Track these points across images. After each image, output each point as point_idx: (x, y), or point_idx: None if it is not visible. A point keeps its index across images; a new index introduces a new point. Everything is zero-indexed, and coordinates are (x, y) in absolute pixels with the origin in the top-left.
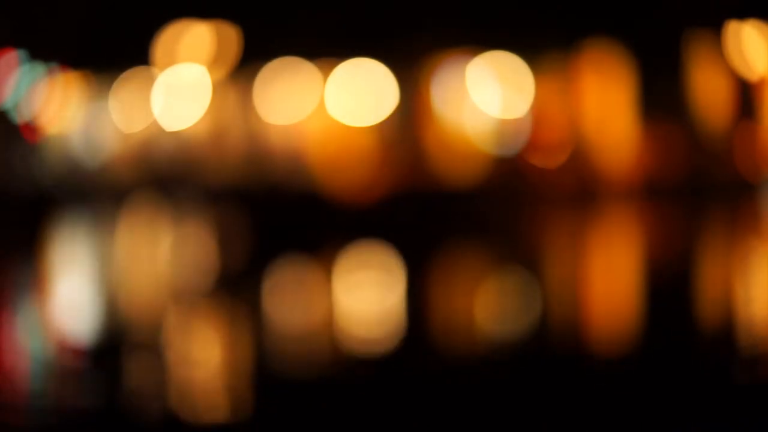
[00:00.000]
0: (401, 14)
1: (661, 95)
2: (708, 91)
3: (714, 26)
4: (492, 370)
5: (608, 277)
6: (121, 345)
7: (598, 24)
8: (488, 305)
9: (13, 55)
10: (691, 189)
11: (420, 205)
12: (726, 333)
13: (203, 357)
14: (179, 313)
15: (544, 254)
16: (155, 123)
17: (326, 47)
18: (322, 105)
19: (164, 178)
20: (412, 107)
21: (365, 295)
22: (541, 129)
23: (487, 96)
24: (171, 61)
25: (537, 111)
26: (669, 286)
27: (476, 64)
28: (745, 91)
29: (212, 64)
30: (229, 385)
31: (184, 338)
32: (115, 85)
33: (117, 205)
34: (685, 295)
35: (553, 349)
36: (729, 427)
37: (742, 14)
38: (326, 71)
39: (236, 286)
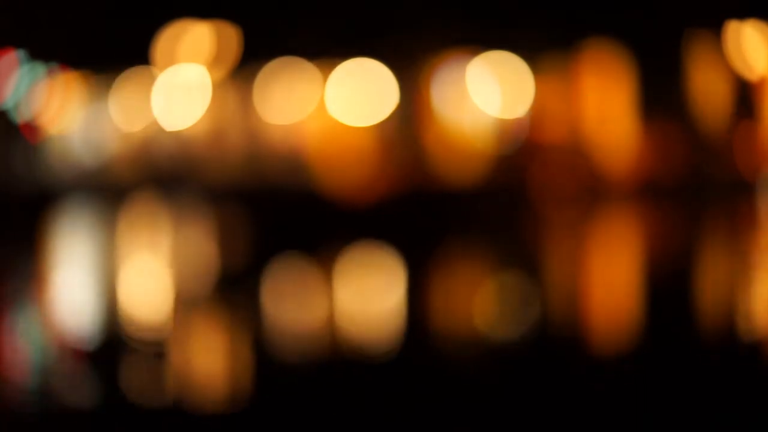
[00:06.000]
0: (401, 14)
1: (661, 95)
2: (708, 91)
3: (714, 26)
4: (492, 369)
5: (608, 276)
6: (120, 345)
7: (598, 24)
8: (488, 305)
9: (13, 55)
10: (691, 189)
11: (420, 205)
12: (726, 333)
13: (203, 356)
14: (179, 312)
15: (544, 254)
16: (155, 123)
17: (326, 47)
18: (322, 105)
19: (164, 178)
20: (412, 107)
21: (365, 295)
22: (541, 129)
23: (487, 96)
24: (171, 61)
25: (537, 111)
26: (669, 286)
27: (476, 64)
28: (745, 91)
29: (212, 64)
30: (229, 385)
31: (184, 338)
32: (115, 85)
33: (117, 205)
34: (685, 295)
35: (553, 348)
36: (729, 426)
37: (742, 14)
38: (326, 71)
39: (236, 286)
